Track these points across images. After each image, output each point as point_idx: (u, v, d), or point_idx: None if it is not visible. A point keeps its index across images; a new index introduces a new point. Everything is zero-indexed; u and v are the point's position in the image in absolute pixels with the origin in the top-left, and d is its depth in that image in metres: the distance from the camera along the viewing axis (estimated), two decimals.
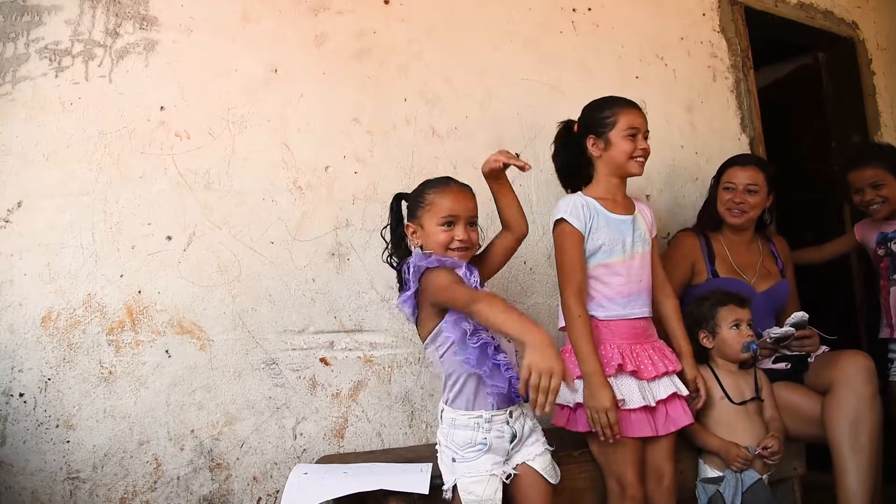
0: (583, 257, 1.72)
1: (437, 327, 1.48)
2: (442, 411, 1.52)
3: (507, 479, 1.45)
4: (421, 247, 1.56)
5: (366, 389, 1.90)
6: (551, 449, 1.55)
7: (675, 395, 1.69)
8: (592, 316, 1.72)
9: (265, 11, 1.95)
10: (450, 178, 1.60)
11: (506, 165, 1.57)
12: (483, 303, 1.32)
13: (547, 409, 1.23)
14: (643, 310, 1.76)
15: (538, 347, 1.22)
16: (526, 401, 1.42)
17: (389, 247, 1.62)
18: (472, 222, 1.55)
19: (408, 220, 1.59)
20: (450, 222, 1.52)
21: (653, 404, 1.64)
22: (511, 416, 1.49)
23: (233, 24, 1.91)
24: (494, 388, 1.46)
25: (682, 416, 1.69)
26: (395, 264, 1.60)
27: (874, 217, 2.27)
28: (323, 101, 1.98)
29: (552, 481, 1.51)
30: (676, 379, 1.73)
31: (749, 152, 2.61)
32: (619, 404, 1.60)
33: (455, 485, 1.44)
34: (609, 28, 2.47)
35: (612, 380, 1.63)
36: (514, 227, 1.65)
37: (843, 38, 3.12)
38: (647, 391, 1.66)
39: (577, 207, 1.73)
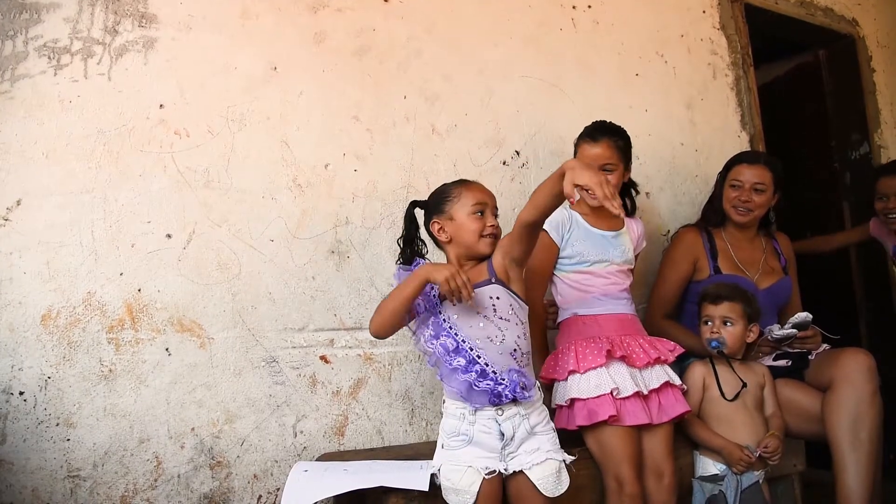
0: (547, 264, 1.86)
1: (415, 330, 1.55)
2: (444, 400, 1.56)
3: (487, 474, 1.43)
4: (449, 241, 1.58)
5: (366, 387, 1.90)
6: (565, 459, 1.50)
7: (667, 384, 1.72)
8: (576, 314, 1.83)
9: (264, 9, 1.94)
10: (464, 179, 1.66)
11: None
12: None
13: None
14: (629, 308, 1.87)
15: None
16: (515, 402, 1.46)
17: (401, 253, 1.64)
18: (496, 213, 1.60)
19: (435, 217, 1.60)
20: (481, 211, 1.56)
21: (645, 392, 1.67)
22: (500, 414, 1.47)
23: (232, 21, 1.91)
24: (451, 390, 1.49)
25: (674, 405, 1.71)
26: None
27: (889, 227, 2.35)
28: (322, 99, 1.97)
29: (547, 494, 1.44)
30: (668, 369, 1.75)
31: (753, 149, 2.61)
32: (613, 393, 1.63)
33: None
34: (609, 25, 2.46)
35: (604, 369, 1.67)
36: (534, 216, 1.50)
37: (844, 36, 3.11)
38: (639, 379, 1.69)
39: (558, 221, 1.85)
